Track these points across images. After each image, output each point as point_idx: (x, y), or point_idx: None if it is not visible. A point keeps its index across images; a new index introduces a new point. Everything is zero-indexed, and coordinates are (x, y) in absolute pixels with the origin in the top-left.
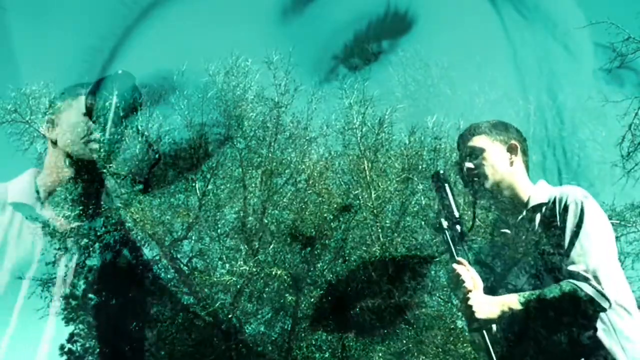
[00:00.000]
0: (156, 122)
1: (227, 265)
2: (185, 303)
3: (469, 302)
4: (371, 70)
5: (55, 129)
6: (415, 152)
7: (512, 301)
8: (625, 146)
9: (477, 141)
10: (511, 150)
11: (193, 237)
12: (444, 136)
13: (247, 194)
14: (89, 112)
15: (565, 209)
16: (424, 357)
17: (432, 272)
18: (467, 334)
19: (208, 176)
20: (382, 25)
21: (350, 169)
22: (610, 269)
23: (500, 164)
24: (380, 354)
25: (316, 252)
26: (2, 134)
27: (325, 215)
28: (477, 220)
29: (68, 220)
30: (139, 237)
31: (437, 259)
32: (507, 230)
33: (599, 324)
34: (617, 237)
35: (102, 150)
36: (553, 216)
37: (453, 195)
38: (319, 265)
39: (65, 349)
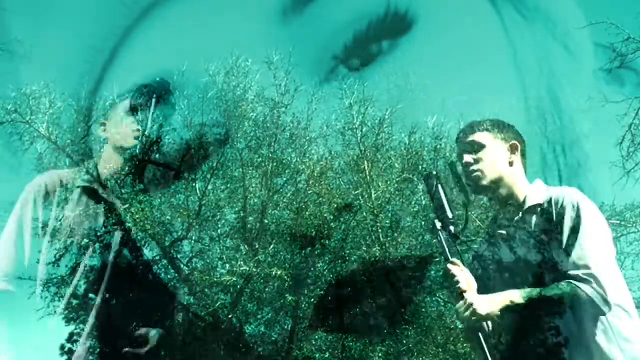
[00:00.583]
0: (156, 122)
1: (227, 265)
2: (185, 303)
3: (468, 301)
4: (371, 71)
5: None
6: (415, 152)
7: (515, 296)
8: (625, 146)
9: (478, 137)
10: (512, 149)
11: (193, 237)
12: (444, 136)
13: (247, 194)
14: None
15: (562, 210)
16: (424, 357)
17: (432, 272)
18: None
19: (208, 176)
20: (382, 25)
21: (350, 169)
22: (610, 271)
23: (499, 162)
24: (380, 354)
25: (316, 252)
26: (2, 134)
27: (325, 215)
28: (476, 220)
29: (68, 220)
30: (139, 237)
31: (437, 259)
32: (503, 231)
33: (597, 325)
34: (617, 237)
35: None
36: (549, 217)
37: (446, 195)
38: (319, 265)
39: (65, 349)
